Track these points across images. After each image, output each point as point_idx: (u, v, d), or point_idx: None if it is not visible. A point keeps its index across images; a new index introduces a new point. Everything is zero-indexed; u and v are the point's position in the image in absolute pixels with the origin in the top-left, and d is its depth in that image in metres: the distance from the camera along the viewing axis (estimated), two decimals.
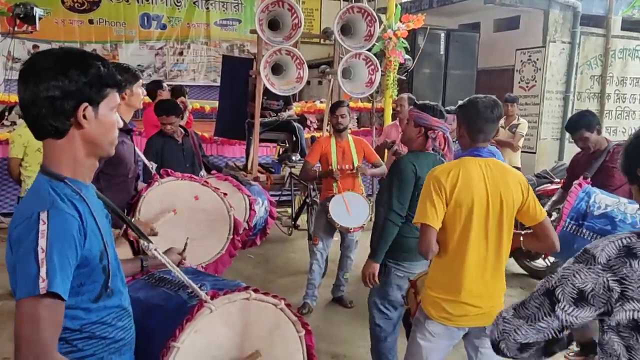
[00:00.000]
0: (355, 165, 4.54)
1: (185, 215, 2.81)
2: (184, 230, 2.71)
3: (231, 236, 2.92)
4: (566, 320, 1.17)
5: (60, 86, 1.27)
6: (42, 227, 1.20)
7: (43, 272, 1.18)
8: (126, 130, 2.72)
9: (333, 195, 4.43)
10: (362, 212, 4.44)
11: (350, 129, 8.18)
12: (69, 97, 1.28)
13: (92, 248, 1.30)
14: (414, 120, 2.96)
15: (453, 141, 5.10)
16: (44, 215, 1.22)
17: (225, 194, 2.98)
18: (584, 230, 3.05)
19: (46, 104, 1.27)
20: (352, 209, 4.39)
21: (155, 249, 1.61)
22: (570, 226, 3.10)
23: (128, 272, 1.69)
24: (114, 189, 2.65)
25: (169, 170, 2.96)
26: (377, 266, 2.93)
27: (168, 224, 2.72)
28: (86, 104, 1.30)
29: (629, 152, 1.26)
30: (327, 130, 6.10)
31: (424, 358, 2.38)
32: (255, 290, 1.63)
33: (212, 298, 1.54)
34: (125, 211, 2.71)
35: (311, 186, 5.41)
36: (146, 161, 3.03)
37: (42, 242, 1.19)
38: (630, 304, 1.09)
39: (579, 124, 3.65)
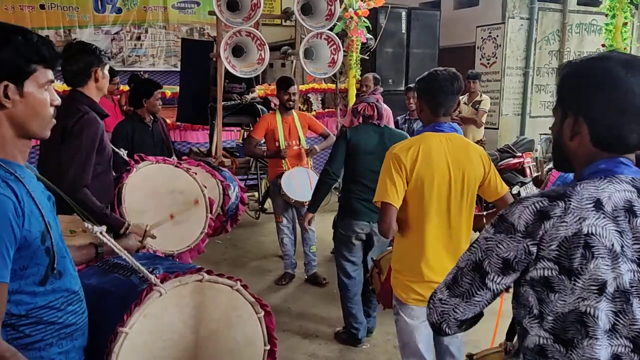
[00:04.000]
0: (302, 140, 4.64)
1: (167, 199, 2.83)
2: (168, 214, 2.76)
3: (208, 215, 2.96)
4: (497, 290, 1.21)
5: None
6: None
7: None
8: (101, 115, 2.63)
9: (283, 172, 4.49)
10: (314, 185, 4.48)
11: (315, 110, 8.20)
12: None
13: (32, 229, 1.24)
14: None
15: (417, 119, 5.18)
16: None
17: (195, 173, 3.01)
18: None
19: None
20: (304, 182, 4.46)
21: (101, 232, 1.56)
22: None
23: (82, 259, 1.64)
24: (98, 178, 2.56)
25: (142, 154, 2.92)
26: (311, 215, 3.83)
27: (152, 210, 2.73)
28: (6, 82, 1.22)
29: (573, 84, 1.19)
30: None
31: (412, 335, 2.37)
32: (209, 272, 1.60)
33: (162, 281, 1.51)
34: (109, 206, 2.64)
35: None
36: (115, 148, 2.95)
37: None
38: (542, 263, 1.14)
39: None
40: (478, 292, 1.22)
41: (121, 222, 2.47)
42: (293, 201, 4.43)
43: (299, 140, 4.63)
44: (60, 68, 2.42)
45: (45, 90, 1.30)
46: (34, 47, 1.26)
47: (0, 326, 1.18)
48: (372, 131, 3.40)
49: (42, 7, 8.91)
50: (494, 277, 1.20)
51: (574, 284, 1.11)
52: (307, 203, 4.45)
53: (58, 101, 1.34)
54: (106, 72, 2.63)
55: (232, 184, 3.62)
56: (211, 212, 2.99)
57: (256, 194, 6.41)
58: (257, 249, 5.75)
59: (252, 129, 6.28)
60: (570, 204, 1.13)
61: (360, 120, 3.43)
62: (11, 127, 1.26)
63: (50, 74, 1.31)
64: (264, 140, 4.77)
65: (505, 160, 5.63)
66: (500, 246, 1.18)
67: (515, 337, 1.32)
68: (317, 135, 5.07)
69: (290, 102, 4.58)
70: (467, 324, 1.30)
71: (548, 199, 1.16)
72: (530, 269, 1.16)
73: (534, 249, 1.14)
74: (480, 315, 1.30)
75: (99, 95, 2.65)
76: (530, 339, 1.19)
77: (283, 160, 4.54)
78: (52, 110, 1.32)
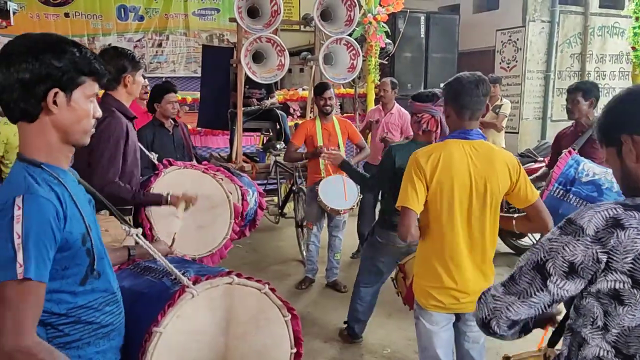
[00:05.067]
0: (341, 147, 4.58)
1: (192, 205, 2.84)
2: (192, 218, 2.78)
3: (232, 220, 3.01)
4: (557, 294, 1.17)
5: (31, 69, 1.25)
6: (17, 212, 1.20)
7: (20, 257, 1.18)
8: (130, 118, 2.70)
9: (321, 179, 4.46)
10: (351, 194, 4.47)
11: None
12: (39, 80, 1.26)
13: (73, 231, 1.29)
14: (411, 112, 3.24)
15: None
16: (19, 200, 1.21)
17: (222, 179, 3.05)
18: (571, 196, 3.11)
19: (17, 86, 1.26)
20: (341, 191, 4.42)
21: (137, 235, 1.61)
22: (557, 191, 3.15)
23: (115, 261, 1.68)
24: (126, 177, 2.62)
25: (171, 159, 2.98)
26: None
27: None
28: (57, 89, 1.28)
29: (613, 115, 1.26)
30: (310, 116, 6.08)
31: (431, 340, 2.36)
32: (239, 275, 1.63)
33: (194, 283, 1.55)
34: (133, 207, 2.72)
35: (296, 174, 5.41)
36: (146, 151, 3.02)
37: (17, 228, 1.19)
38: (613, 275, 1.10)
39: (579, 87, 3.75)
40: (537, 293, 1.19)
41: (159, 196, 2.59)
42: (329, 209, 4.40)
43: (338, 147, 4.56)
44: None
45: (90, 102, 1.37)
46: (87, 61, 1.33)
47: (36, 326, 1.23)
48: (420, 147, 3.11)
49: (66, 15, 9.11)
50: (556, 280, 1.16)
51: None
52: (342, 211, 4.46)
53: (99, 113, 1.40)
54: (138, 77, 2.70)
55: (251, 189, 3.66)
56: (236, 219, 3.01)
57: (275, 198, 6.46)
58: (277, 253, 5.78)
59: (271, 134, 6.37)
60: None
61: (420, 132, 3.08)
62: (55, 133, 1.32)
63: (96, 87, 1.38)
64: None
65: (527, 165, 5.57)
66: (567, 248, 1.14)
67: (561, 343, 1.29)
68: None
69: (327, 107, 4.55)
70: (518, 328, 1.26)
71: (623, 207, 1.13)
72: (599, 280, 1.12)
73: (603, 258, 1.11)
74: (528, 329, 1.26)
75: (130, 99, 2.72)
76: (589, 349, 1.17)
77: (322, 167, 4.49)
78: (93, 121, 1.39)
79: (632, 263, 1.08)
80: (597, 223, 1.12)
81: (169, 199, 2.60)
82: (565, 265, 1.14)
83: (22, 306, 1.19)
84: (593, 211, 1.15)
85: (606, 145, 1.27)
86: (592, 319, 1.15)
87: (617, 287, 1.10)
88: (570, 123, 3.99)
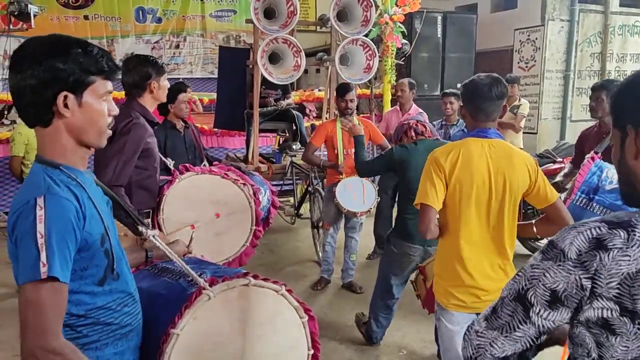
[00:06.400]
0: None
1: (209, 210, 2.80)
2: (209, 226, 2.74)
3: (254, 227, 2.93)
4: (543, 326, 1.06)
5: (37, 75, 1.24)
6: (40, 212, 1.20)
7: (43, 256, 1.18)
8: (152, 123, 2.71)
9: (339, 180, 4.44)
10: (368, 196, 4.44)
11: None
12: (46, 86, 1.25)
13: (92, 231, 1.29)
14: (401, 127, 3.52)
15: (454, 124, 5.16)
16: (40, 201, 1.21)
17: (244, 184, 2.97)
18: (594, 205, 3.04)
19: (27, 92, 1.25)
20: (359, 193, 4.40)
21: (153, 235, 1.61)
22: (580, 200, 3.09)
23: (132, 262, 1.68)
24: (142, 183, 2.63)
25: (188, 165, 2.95)
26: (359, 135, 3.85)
27: (193, 220, 2.71)
28: (65, 92, 1.26)
29: (624, 97, 1.10)
30: (326, 118, 6.08)
31: (452, 340, 2.34)
32: (255, 277, 1.63)
33: (210, 285, 1.55)
34: (151, 212, 2.71)
35: (312, 174, 5.41)
36: (162, 157, 3.00)
37: (40, 227, 1.19)
38: (598, 302, 1.00)
39: (603, 86, 3.68)
40: (520, 326, 1.07)
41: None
42: (346, 210, 4.39)
43: None
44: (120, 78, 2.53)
45: (104, 101, 1.34)
46: (94, 59, 1.30)
47: (61, 326, 1.23)
48: (424, 145, 3.23)
49: (85, 17, 9.23)
50: (539, 311, 1.05)
51: (639, 328, 0.98)
52: (359, 214, 4.44)
53: (116, 111, 1.38)
54: (163, 82, 2.70)
55: (263, 187, 3.66)
56: (257, 225, 2.93)
57: (291, 199, 6.46)
58: (293, 254, 5.78)
59: (287, 134, 6.38)
60: (634, 235, 0.99)
61: (413, 134, 3.34)
62: (71, 135, 1.31)
63: (109, 85, 1.35)
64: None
65: (546, 166, 5.50)
66: (548, 275, 1.04)
67: None
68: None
69: (348, 110, 4.50)
70: None
71: (607, 225, 1.02)
72: (585, 308, 1.02)
73: (587, 284, 1.01)
74: (525, 358, 1.15)
75: (155, 104, 2.74)
76: None
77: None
78: (109, 119, 1.36)
79: (617, 288, 0.99)
80: (579, 245, 1.02)
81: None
82: (547, 293, 1.04)
83: (48, 306, 1.19)
84: (576, 231, 1.04)
85: (615, 126, 1.13)
86: (586, 350, 1.06)
87: (605, 315, 1.00)
88: (590, 123, 3.93)
